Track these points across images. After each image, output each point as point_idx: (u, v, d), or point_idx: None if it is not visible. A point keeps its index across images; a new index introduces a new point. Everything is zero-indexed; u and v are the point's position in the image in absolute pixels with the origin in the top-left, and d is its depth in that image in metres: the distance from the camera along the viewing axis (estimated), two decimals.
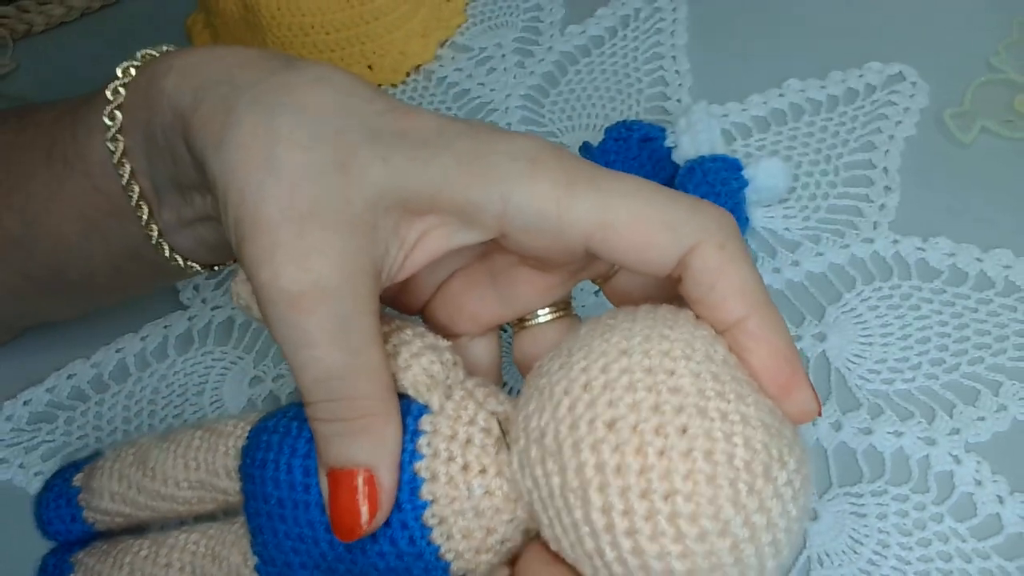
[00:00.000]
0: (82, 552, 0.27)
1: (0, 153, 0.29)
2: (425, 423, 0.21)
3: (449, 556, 0.21)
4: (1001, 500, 0.29)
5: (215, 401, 0.36)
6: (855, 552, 0.29)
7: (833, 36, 0.44)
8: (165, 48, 0.26)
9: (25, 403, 0.37)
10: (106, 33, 0.52)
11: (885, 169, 0.39)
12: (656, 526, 0.18)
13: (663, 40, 0.46)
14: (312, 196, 0.21)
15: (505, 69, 0.46)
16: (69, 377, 0.37)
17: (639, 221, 0.20)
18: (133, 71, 0.26)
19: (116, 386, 0.37)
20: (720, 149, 0.37)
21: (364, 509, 0.20)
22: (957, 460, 0.30)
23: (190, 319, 0.38)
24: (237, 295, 0.24)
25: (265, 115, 0.21)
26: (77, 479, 0.28)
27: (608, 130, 0.39)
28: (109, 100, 0.25)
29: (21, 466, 0.35)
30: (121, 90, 0.25)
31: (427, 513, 0.20)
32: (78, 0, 0.52)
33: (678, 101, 0.43)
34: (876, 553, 0.29)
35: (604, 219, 0.20)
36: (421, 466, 0.21)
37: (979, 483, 0.30)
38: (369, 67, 0.46)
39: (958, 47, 0.42)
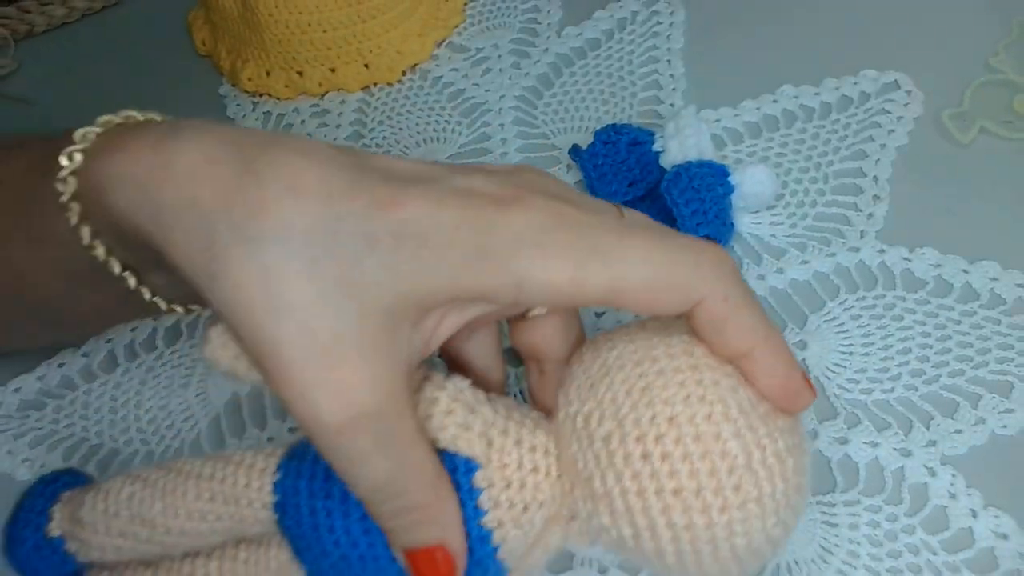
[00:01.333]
0: None
1: None
2: (479, 480, 0.23)
3: (510, 564, 0.24)
4: (974, 514, 0.29)
5: (200, 394, 0.36)
6: (824, 561, 0.29)
7: (831, 41, 0.44)
8: (117, 120, 0.24)
9: (15, 390, 0.37)
10: (107, 34, 0.53)
11: (875, 178, 0.38)
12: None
13: (659, 44, 0.46)
14: (328, 328, 0.20)
15: (500, 70, 0.47)
16: (60, 366, 0.38)
17: (647, 288, 0.21)
18: (79, 156, 0.23)
19: (104, 376, 0.37)
20: (710, 154, 0.37)
21: (447, 573, 0.23)
22: (932, 472, 0.30)
23: None
24: (216, 362, 0.23)
25: (251, 249, 0.20)
26: (55, 511, 0.27)
27: (597, 133, 0.39)
28: (61, 191, 0.23)
29: (9, 452, 0.36)
30: (71, 180, 0.23)
31: (499, 553, 0.23)
32: (79, 1, 0.53)
33: (671, 105, 0.43)
34: (845, 563, 0.29)
35: (615, 288, 0.21)
36: (486, 520, 0.23)
37: (953, 496, 0.29)
38: (365, 65, 0.46)
39: (957, 48, 0.42)
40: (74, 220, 0.24)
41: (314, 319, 0.20)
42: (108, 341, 0.38)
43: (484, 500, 0.23)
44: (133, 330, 0.38)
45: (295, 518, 0.24)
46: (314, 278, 0.20)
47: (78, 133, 0.24)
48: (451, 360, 0.27)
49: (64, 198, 0.23)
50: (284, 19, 0.44)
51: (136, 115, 0.24)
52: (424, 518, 0.22)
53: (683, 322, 0.23)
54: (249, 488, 0.24)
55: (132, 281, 0.25)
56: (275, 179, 0.21)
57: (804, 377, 0.23)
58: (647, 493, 0.21)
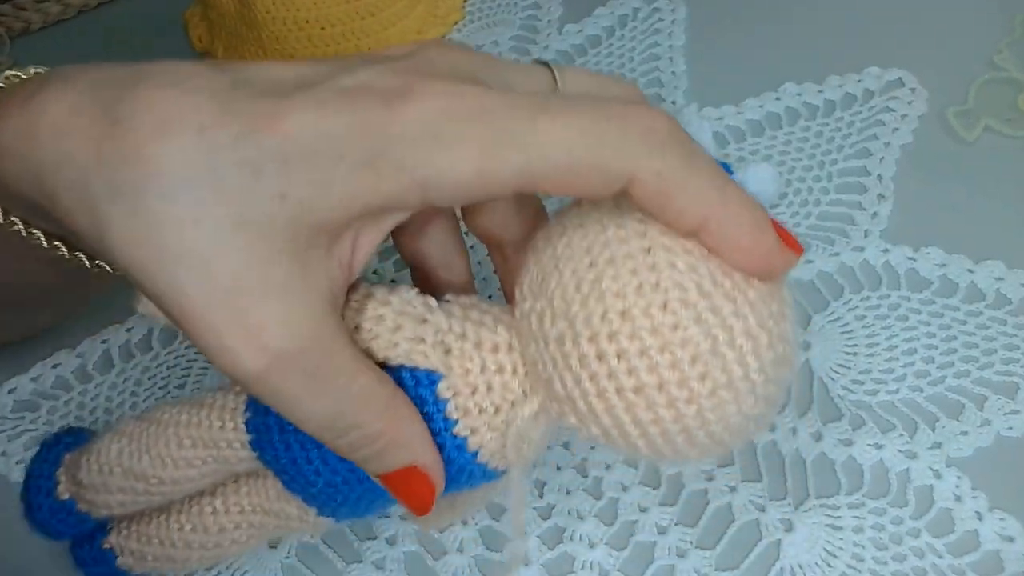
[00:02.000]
0: (112, 536, 0.27)
1: None
2: (443, 390, 0.22)
3: (497, 464, 0.23)
4: (980, 517, 0.29)
5: (196, 394, 0.36)
6: (829, 565, 0.28)
7: (833, 40, 0.44)
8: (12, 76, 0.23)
9: (10, 391, 0.37)
10: (103, 31, 0.53)
11: (879, 176, 0.38)
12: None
13: (660, 41, 0.46)
14: (226, 272, 0.19)
15: None
16: (54, 367, 0.37)
17: (565, 170, 0.19)
18: None
19: (100, 376, 0.37)
20: (712, 152, 0.37)
21: (425, 490, 0.22)
22: (937, 475, 0.30)
23: None
24: (152, 315, 0.22)
25: (130, 201, 0.19)
26: (60, 475, 0.27)
27: None
28: None
29: (3, 454, 0.35)
30: None
31: (479, 456, 0.23)
32: None
33: (673, 103, 0.43)
34: (850, 567, 0.28)
35: (529, 174, 0.19)
36: (459, 429, 0.22)
37: (958, 499, 0.29)
38: None
39: (960, 46, 0.42)
40: None
41: (210, 264, 0.19)
42: (104, 342, 0.38)
43: (452, 409, 0.22)
44: (129, 331, 0.38)
45: (272, 454, 0.23)
46: (202, 221, 0.19)
47: None
48: (411, 259, 0.26)
49: None
50: (281, 16, 0.43)
51: (19, 73, 0.23)
52: (386, 445, 0.21)
53: None
54: (224, 430, 0.24)
55: (64, 250, 0.24)
56: (141, 121, 0.19)
57: (777, 235, 0.20)
58: (607, 394, 0.20)
